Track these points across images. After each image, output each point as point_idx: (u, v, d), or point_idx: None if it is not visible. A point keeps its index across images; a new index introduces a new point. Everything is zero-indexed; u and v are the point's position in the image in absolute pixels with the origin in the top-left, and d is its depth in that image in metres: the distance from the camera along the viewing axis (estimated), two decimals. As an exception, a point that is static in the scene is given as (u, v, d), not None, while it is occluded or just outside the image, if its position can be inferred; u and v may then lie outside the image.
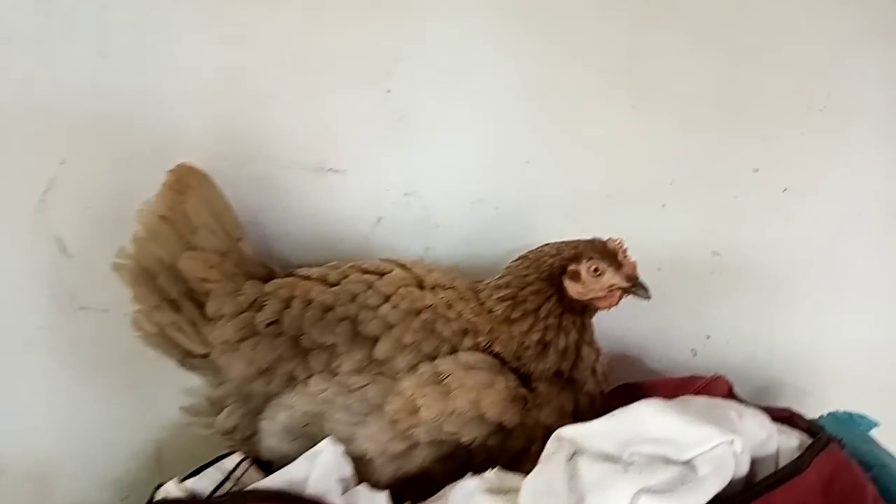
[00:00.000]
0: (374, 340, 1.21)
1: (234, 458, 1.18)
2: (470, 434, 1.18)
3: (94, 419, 1.50)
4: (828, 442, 1.04)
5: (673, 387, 1.32)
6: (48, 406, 1.49)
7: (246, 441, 1.24)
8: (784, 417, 1.17)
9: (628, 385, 1.45)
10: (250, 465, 1.18)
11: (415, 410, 1.17)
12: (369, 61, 1.46)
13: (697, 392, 1.24)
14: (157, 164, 1.32)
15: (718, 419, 0.99)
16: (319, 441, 1.15)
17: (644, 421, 1.00)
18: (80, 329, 1.47)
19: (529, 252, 1.34)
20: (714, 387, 1.26)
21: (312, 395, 1.18)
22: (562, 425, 1.10)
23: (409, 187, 1.51)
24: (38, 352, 1.46)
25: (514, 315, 1.27)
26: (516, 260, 1.35)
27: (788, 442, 1.06)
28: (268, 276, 1.31)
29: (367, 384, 1.19)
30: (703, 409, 1.02)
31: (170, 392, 1.33)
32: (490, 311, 1.29)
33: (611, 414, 1.03)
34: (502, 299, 1.29)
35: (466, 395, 1.18)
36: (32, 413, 1.49)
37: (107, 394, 1.50)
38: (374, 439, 1.17)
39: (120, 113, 1.41)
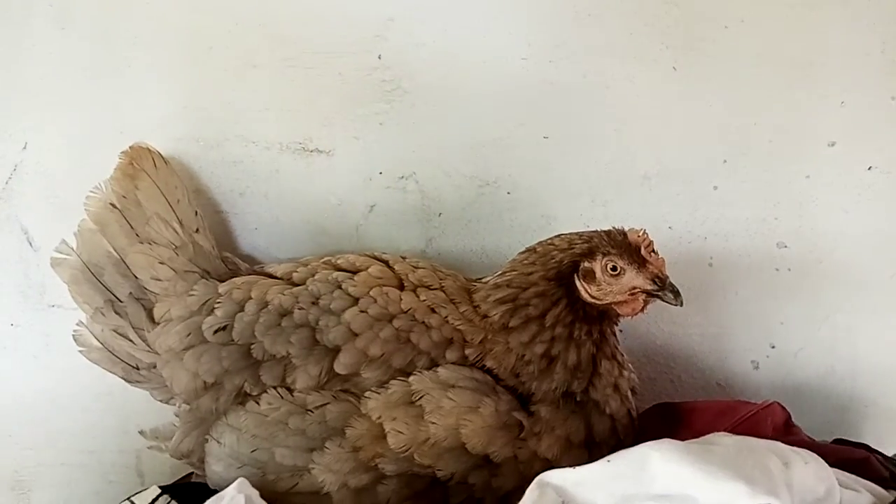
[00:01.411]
0: (336, 352, 1.03)
1: (149, 494, 1.02)
2: (447, 468, 0.98)
3: (71, 426, 1.40)
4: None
5: (716, 412, 1.08)
6: (23, 411, 1.39)
7: (203, 464, 1.08)
8: (857, 460, 0.91)
9: (664, 406, 1.21)
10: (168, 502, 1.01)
11: (381, 436, 0.99)
12: (356, 23, 1.28)
13: (742, 423, 0.99)
14: (122, 147, 1.20)
15: (752, 470, 0.75)
16: (269, 470, 0.97)
17: (650, 469, 0.77)
18: (52, 327, 1.36)
19: (538, 244, 1.12)
20: (764, 417, 1.01)
21: (263, 415, 1.01)
22: (569, 460, 0.91)
23: (405, 170, 1.32)
24: (11, 352, 1.36)
25: (514, 322, 1.06)
26: (522, 253, 1.13)
27: (857, 500, 0.79)
28: (230, 275, 1.16)
29: (326, 403, 1.01)
30: (732, 455, 0.78)
31: (149, 400, 1.19)
32: (485, 317, 1.07)
33: (609, 457, 0.80)
34: (500, 301, 1.07)
35: (444, 421, 0.99)
36: (7, 418, 1.39)
37: (84, 400, 1.39)
38: (333, 469, 0.99)
39: (82, 91, 1.29)
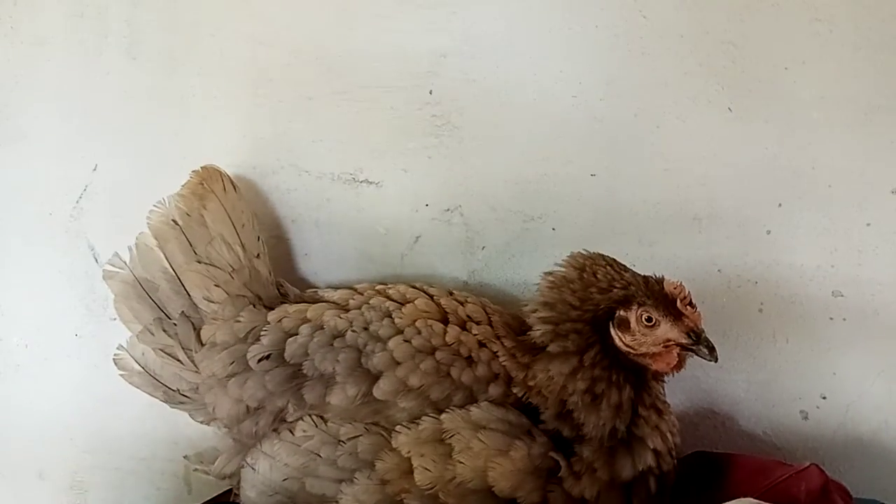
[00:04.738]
0: (377, 377, 1.05)
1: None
2: (470, 509, 0.98)
3: (126, 433, 1.46)
4: None
5: (753, 469, 1.06)
6: (84, 415, 1.47)
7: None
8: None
9: (702, 454, 1.18)
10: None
11: (409, 472, 1.00)
12: (410, 58, 1.30)
13: (773, 487, 0.95)
14: (184, 172, 1.25)
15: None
16: (299, 499, 1.00)
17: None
18: (113, 339, 1.40)
19: (585, 260, 1.09)
20: (798, 481, 0.97)
21: (297, 444, 1.04)
22: (607, 501, 0.93)
23: (451, 202, 1.33)
24: (75, 360, 1.44)
25: (554, 348, 1.06)
26: (566, 269, 1.09)
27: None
28: (280, 300, 1.19)
29: (358, 435, 1.03)
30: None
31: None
32: (525, 342, 1.08)
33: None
34: (544, 321, 1.07)
35: (471, 462, 0.99)
36: (70, 421, 1.47)
37: (138, 409, 1.45)
38: (360, 500, 1.01)
39: (149, 117, 1.36)
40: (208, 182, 1.20)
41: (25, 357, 1.45)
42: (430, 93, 1.30)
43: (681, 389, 1.32)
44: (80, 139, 1.36)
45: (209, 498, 1.28)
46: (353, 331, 1.09)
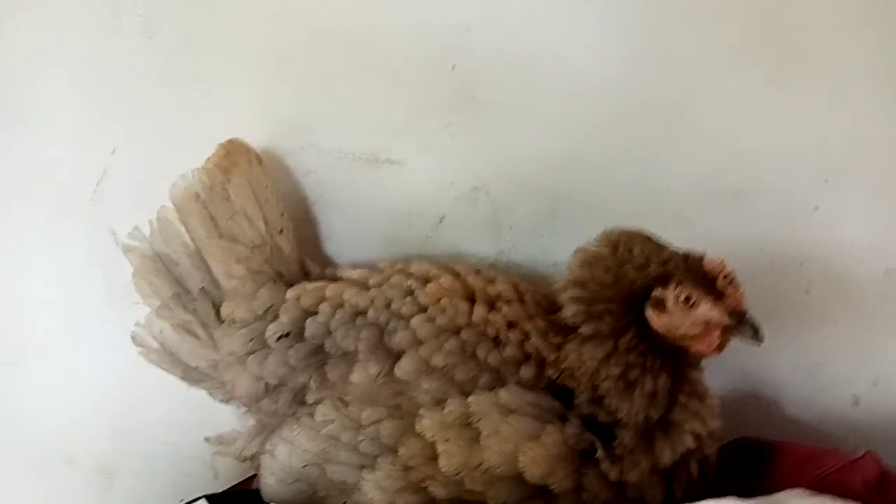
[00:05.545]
0: (399, 356, 1.01)
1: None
2: (499, 496, 0.95)
3: (153, 418, 1.45)
4: None
5: (800, 457, 1.00)
6: (111, 401, 1.46)
7: (262, 471, 1.10)
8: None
9: (744, 442, 1.12)
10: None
11: (433, 458, 0.96)
12: (430, 32, 1.25)
13: (826, 478, 0.89)
14: (204, 153, 1.22)
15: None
16: (319, 486, 0.97)
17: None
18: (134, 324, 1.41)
19: (619, 236, 1.04)
20: (853, 471, 0.90)
21: (316, 429, 1.01)
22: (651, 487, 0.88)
23: (476, 181, 1.28)
24: (101, 345, 1.43)
25: (586, 330, 1.01)
26: (598, 247, 1.04)
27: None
28: (302, 278, 1.16)
29: (381, 420, 0.99)
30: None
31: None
32: (556, 322, 1.03)
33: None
34: (576, 300, 1.02)
35: (500, 446, 0.95)
36: (97, 407, 1.46)
37: (164, 393, 1.44)
38: (382, 486, 0.97)
39: (166, 98, 1.32)
40: (234, 155, 1.18)
41: (51, 344, 1.43)
42: (453, 68, 1.25)
43: (721, 373, 1.27)
44: (98, 122, 1.34)
45: (234, 483, 1.26)
46: (375, 309, 1.06)
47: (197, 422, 1.41)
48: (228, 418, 1.22)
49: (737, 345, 1.05)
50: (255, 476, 1.22)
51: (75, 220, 1.38)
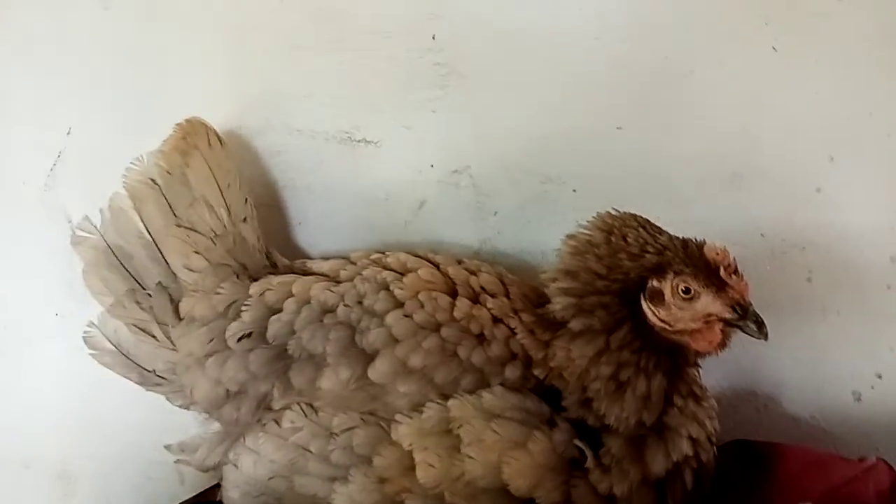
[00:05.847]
0: (372, 357, 0.94)
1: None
2: (482, 510, 0.88)
3: (115, 419, 1.37)
4: None
5: (807, 463, 0.94)
6: (69, 401, 1.38)
7: (226, 480, 1.03)
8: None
9: (743, 444, 1.06)
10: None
11: (410, 468, 0.89)
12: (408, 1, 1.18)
13: (838, 490, 0.82)
14: (164, 133, 1.13)
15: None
16: (286, 501, 0.91)
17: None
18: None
19: (613, 221, 0.97)
20: (866, 482, 0.85)
21: (284, 437, 0.94)
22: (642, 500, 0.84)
23: (458, 163, 1.23)
24: (57, 342, 1.35)
25: (576, 325, 0.94)
26: (591, 231, 0.97)
27: None
28: (269, 271, 1.09)
29: (353, 427, 0.92)
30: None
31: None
32: (544, 316, 0.96)
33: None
34: (566, 293, 0.95)
35: (483, 456, 0.88)
36: (54, 407, 1.39)
37: (127, 393, 1.35)
38: (355, 501, 0.91)
39: (125, 74, 1.24)
40: (192, 137, 1.10)
41: (4, 339, 1.35)
42: (433, 38, 1.19)
43: (717, 368, 1.21)
44: (52, 100, 1.25)
45: (201, 490, 1.19)
46: (346, 305, 0.98)
47: (162, 424, 1.33)
48: (194, 420, 1.15)
49: (733, 338, 0.99)
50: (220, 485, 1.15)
51: (29, 207, 1.29)
